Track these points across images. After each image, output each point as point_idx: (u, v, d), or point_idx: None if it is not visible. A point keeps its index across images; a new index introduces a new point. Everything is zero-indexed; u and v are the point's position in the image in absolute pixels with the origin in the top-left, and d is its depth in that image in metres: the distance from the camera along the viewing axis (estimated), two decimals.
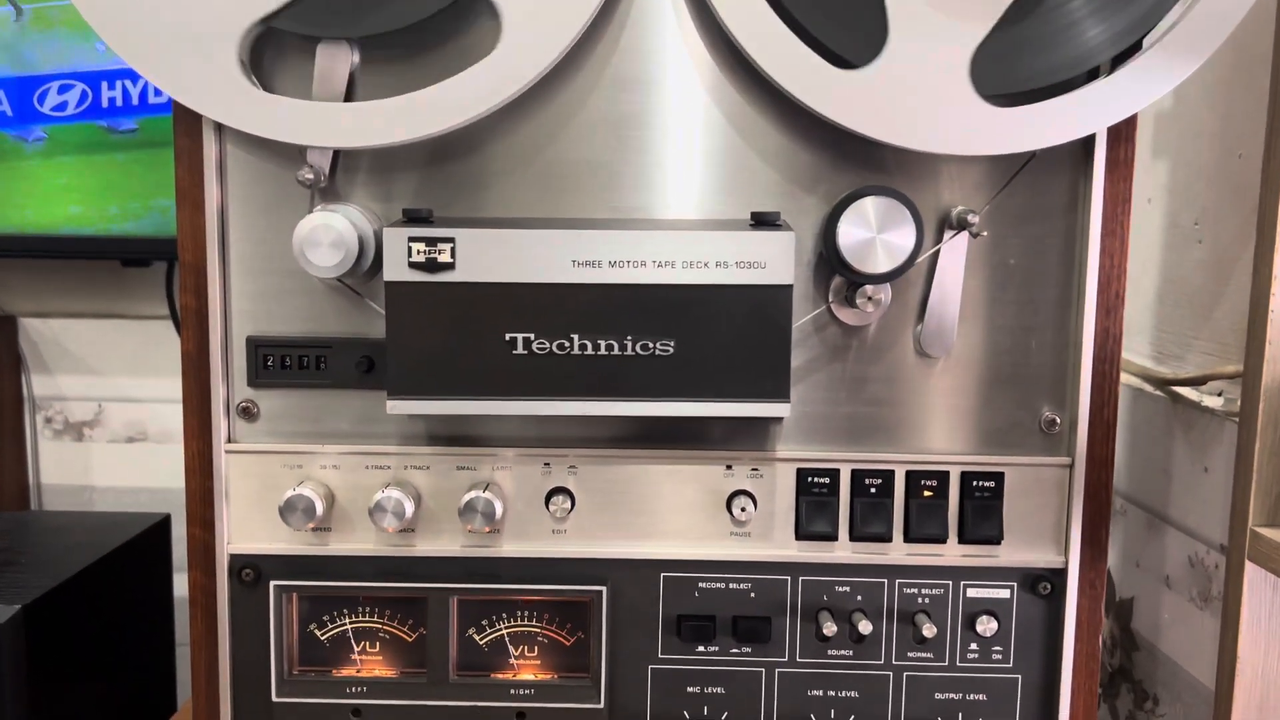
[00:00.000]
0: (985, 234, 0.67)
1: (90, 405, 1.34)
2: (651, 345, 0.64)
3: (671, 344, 0.64)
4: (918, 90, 0.63)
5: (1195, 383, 0.86)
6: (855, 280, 0.66)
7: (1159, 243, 0.95)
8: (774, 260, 0.63)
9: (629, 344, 0.64)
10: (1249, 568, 0.75)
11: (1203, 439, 0.87)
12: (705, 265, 0.63)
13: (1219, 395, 0.85)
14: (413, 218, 0.64)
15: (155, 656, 1.10)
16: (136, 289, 1.31)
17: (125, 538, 1.03)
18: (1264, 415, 0.73)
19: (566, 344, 0.64)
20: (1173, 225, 0.93)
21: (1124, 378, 0.98)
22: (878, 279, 0.65)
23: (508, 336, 0.64)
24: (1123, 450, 0.99)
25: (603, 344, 0.64)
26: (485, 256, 0.63)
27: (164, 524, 1.11)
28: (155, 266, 1.26)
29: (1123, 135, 0.67)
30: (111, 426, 1.34)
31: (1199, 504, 0.87)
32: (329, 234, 0.65)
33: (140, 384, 1.33)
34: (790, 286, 0.63)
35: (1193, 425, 0.88)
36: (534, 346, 0.64)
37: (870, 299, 0.66)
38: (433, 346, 0.64)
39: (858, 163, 0.68)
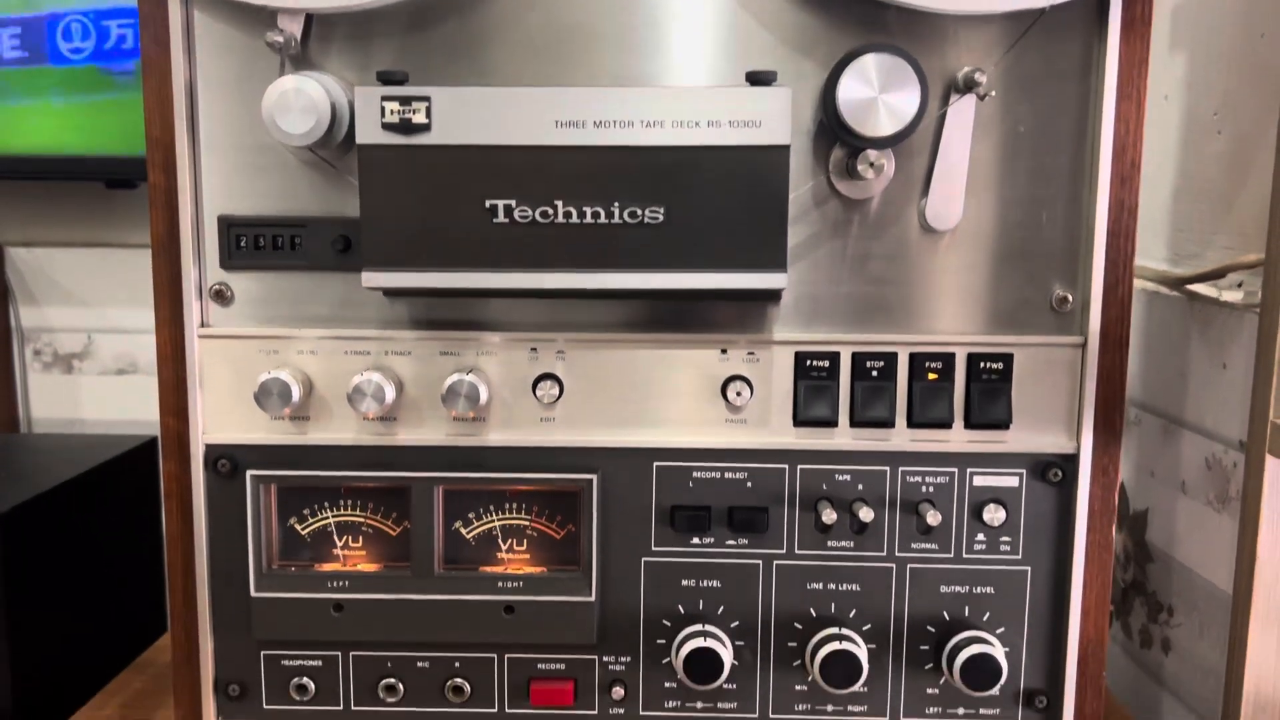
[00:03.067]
0: (993, 94, 0.64)
1: (79, 337, 1.31)
2: (640, 213, 0.60)
3: (661, 211, 0.60)
4: None
5: (1213, 276, 0.83)
6: (855, 144, 0.62)
7: (1176, 140, 0.91)
8: (770, 118, 0.59)
9: (616, 211, 0.60)
10: (1270, 462, 0.72)
11: (1221, 335, 0.83)
12: (696, 125, 0.59)
13: (1239, 287, 0.81)
14: (387, 80, 0.61)
15: (144, 579, 1.08)
16: (123, 216, 1.27)
17: (110, 455, 1.01)
18: None
19: (550, 211, 0.60)
20: (1190, 119, 0.89)
21: (1139, 283, 0.94)
22: (879, 143, 0.62)
23: (488, 203, 0.60)
24: (1137, 357, 0.96)
25: (588, 211, 0.60)
26: (463, 117, 0.59)
27: (150, 445, 1.09)
28: (141, 189, 1.23)
29: None
30: (101, 358, 1.31)
31: (1217, 403, 0.84)
32: (300, 99, 0.62)
33: (130, 315, 1.30)
34: (787, 147, 0.60)
35: (1211, 322, 0.84)
36: (515, 214, 0.60)
37: (872, 165, 0.63)
38: (409, 215, 0.61)
39: (859, 23, 0.64)
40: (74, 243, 1.29)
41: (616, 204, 0.60)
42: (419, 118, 0.59)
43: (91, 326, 1.31)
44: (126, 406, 1.31)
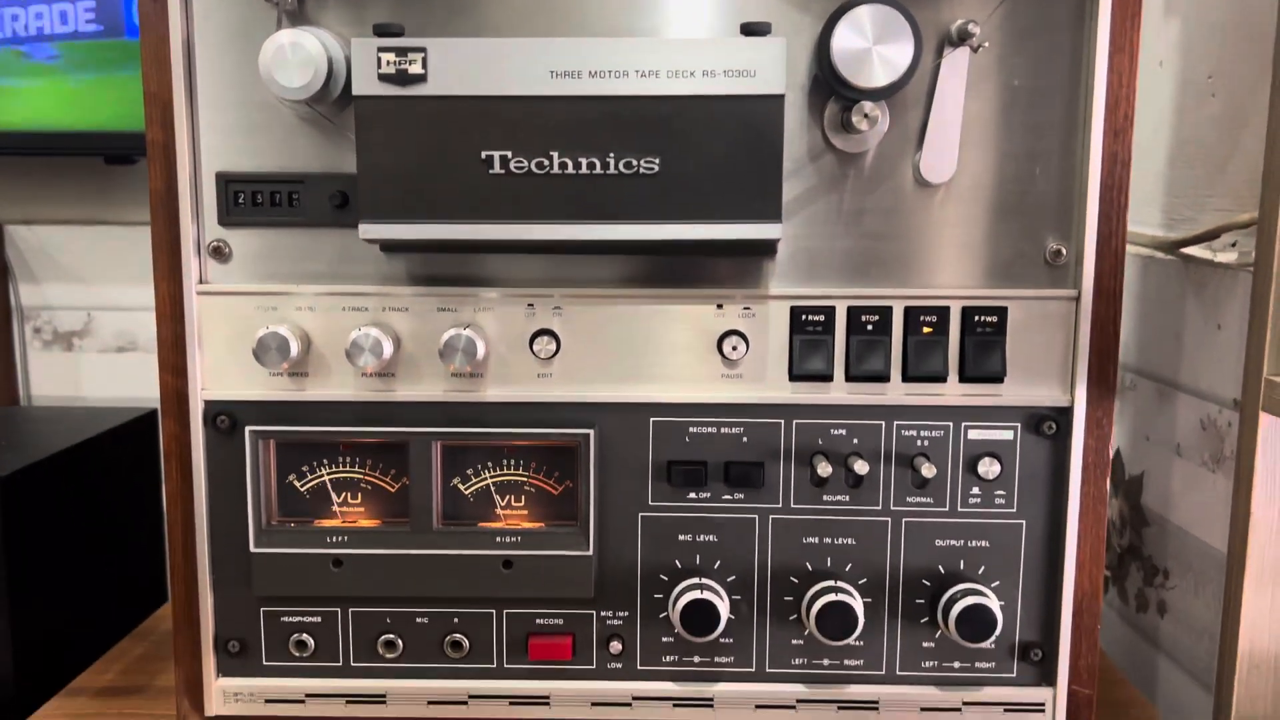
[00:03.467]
0: (987, 45, 0.64)
1: (79, 315, 1.31)
2: (635, 163, 0.61)
3: (656, 162, 0.61)
4: None
5: (1208, 238, 0.83)
6: (850, 96, 0.63)
7: (1171, 105, 0.92)
8: (764, 68, 0.59)
9: (611, 162, 0.61)
10: (1263, 419, 0.72)
11: (1215, 296, 0.83)
12: (691, 75, 0.60)
13: (1233, 247, 0.82)
14: (384, 32, 0.61)
15: (146, 550, 1.09)
16: (123, 194, 1.28)
17: (110, 425, 1.01)
18: None
19: (546, 162, 0.61)
20: (1185, 84, 0.90)
21: (1134, 249, 0.95)
22: (873, 94, 0.62)
23: (484, 155, 0.61)
24: (1133, 322, 0.96)
25: (584, 162, 0.61)
26: (458, 68, 0.60)
27: (150, 417, 1.09)
28: (140, 166, 1.23)
29: None
30: (101, 336, 1.32)
31: (1211, 363, 0.84)
32: (297, 53, 0.62)
33: (129, 292, 1.30)
34: (782, 97, 0.60)
35: (1205, 284, 0.85)
36: (511, 165, 0.61)
37: (866, 116, 0.63)
38: (406, 166, 0.61)
39: None
40: (74, 220, 1.29)
41: (612, 154, 0.61)
42: (415, 68, 0.60)
43: (91, 304, 1.31)
44: (127, 384, 1.32)
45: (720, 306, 0.68)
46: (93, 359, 1.32)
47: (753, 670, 0.71)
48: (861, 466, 0.67)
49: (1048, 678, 0.71)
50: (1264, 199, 0.71)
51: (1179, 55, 0.91)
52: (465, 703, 0.71)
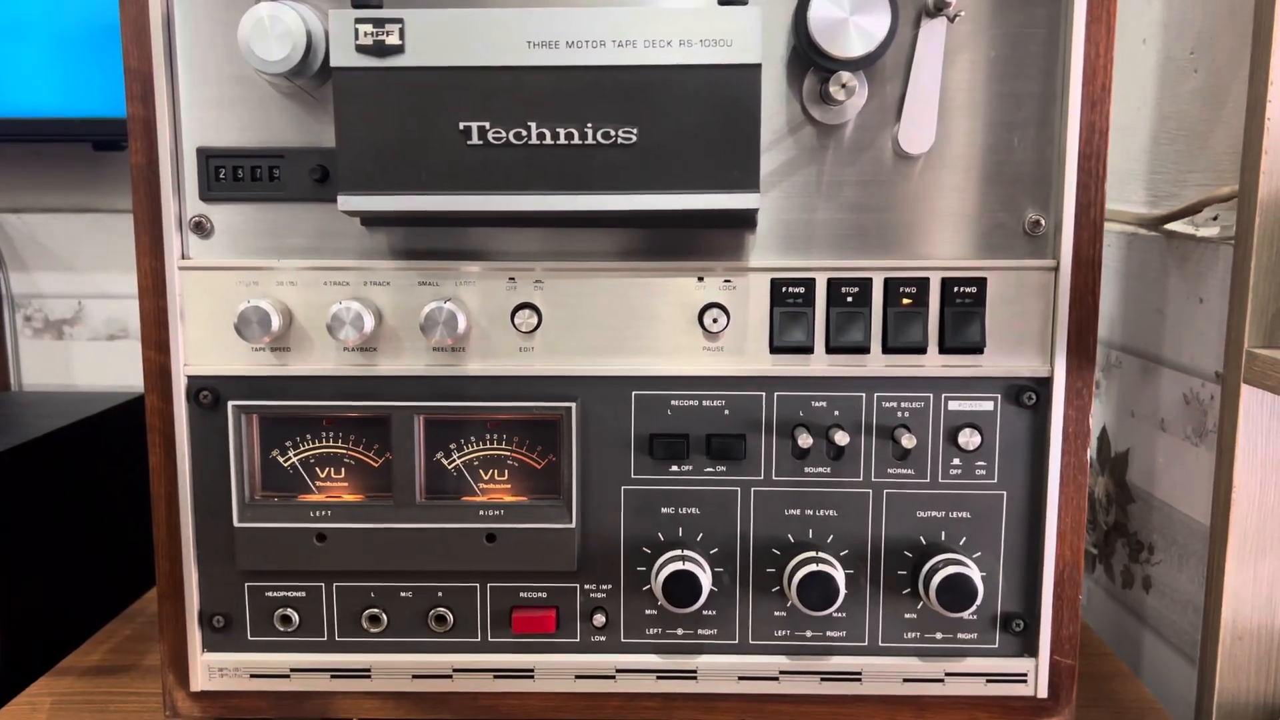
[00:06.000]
0: (963, 14, 0.64)
1: (70, 303, 1.32)
2: (613, 133, 0.61)
3: (634, 132, 0.61)
4: None
5: (1190, 212, 0.83)
6: (827, 66, 0.63)
7: (1154, 81, 0.92)
8: (740, 37, 0.60)
9: (589, 132, 0.61)
10: (1245, 391, 0.73)
11: (1197, 270, 0.84)
12: (668, 44, 0.60)
13: (1214, 220, 0.82)
14: (360, 4, 0.61)
15: (136, 534, 1.09)
16: (112, 182, 1.28)
17: (99, 409, 1.01)
18: (1260, 230, 0.70)
19: (524, 133, 0.61)
20: (1167, 60, 0.90)
21: (1117, 227, 0.95)
22: (851, 65, 0.62)
23: (461, 126, 0.61)
24: (1117, 300, 0.97)
25: (561, 132, 0.61)
26: (436, 39, 0.60)
27: (140, 401, 1.09)
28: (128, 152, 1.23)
29: None
30: (92, 324, 1.32)
31: (1194, 337, 0.84)
32: (276, 26, 0.62)
33: (120, 280, 1.30)
34: (758, 65, 0.60)
35: (1187, 258, 0.85)
36: (489, 136, 0.61)
37: (844, 86, 0.63)
38: (384, 138, 0.61)
39: None
40: (63, 208, 1.29)
41: (589, 125, 0.61)
42: (392, 39, 0.60)
43: (82, 292, 1.31)
44: (118, 371, 1.32)
45: (701, 279, 0.68)
46: (83, 346, 1.32)
47: (736, 642, 0.71)
48: (842, 438, 0.68)
49: (1030, 648, 0.71)
50: (1244, 171, 0.72)
51: (1161, 32, 0.91)
52: (449, 676, 0.72)
